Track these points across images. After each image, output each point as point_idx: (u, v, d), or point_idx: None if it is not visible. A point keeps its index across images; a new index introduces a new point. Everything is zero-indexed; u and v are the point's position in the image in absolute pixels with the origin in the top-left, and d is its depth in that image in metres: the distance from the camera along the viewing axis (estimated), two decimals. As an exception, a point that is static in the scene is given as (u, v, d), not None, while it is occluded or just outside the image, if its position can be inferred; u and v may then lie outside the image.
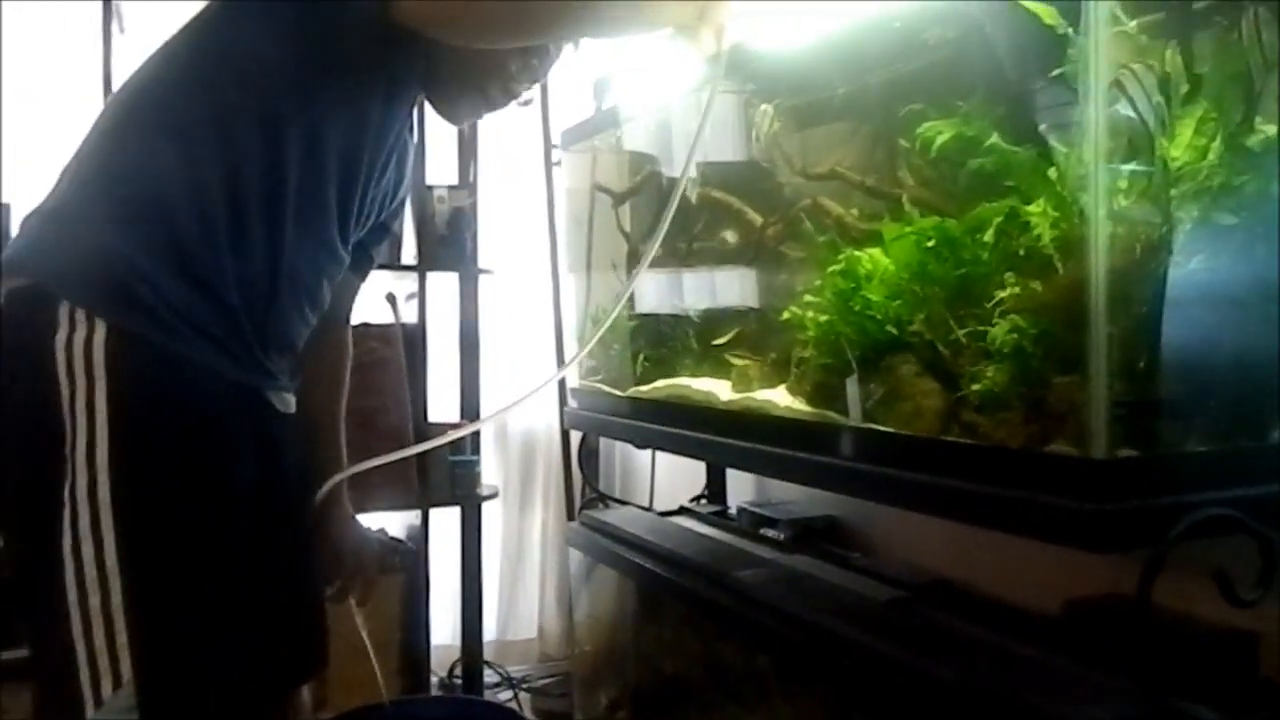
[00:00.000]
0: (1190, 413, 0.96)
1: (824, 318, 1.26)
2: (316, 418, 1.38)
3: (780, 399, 1.37)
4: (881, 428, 1.15)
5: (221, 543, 1.11)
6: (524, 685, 2.47)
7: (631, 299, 1.85)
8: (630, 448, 2.55)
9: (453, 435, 1.56)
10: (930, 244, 1.12)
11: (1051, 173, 1.02)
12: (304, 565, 1.32)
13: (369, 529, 2.27)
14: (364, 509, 2.05)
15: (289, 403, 1.28)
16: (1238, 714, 0.97)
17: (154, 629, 1.05)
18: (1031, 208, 1.01)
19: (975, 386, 1.04)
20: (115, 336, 1.05)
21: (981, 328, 1.04)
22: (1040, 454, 0.95)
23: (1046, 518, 0.92)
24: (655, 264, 1.71)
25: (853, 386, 1.21)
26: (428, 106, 1.32)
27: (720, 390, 1.54)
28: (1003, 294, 1.02)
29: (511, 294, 2.54)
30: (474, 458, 2.25)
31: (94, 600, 1.04)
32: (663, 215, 1.26)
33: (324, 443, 1.39)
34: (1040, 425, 0.97)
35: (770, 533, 1.78)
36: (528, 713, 2.36)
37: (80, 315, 1.05)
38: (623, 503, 2.35)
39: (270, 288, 1.17)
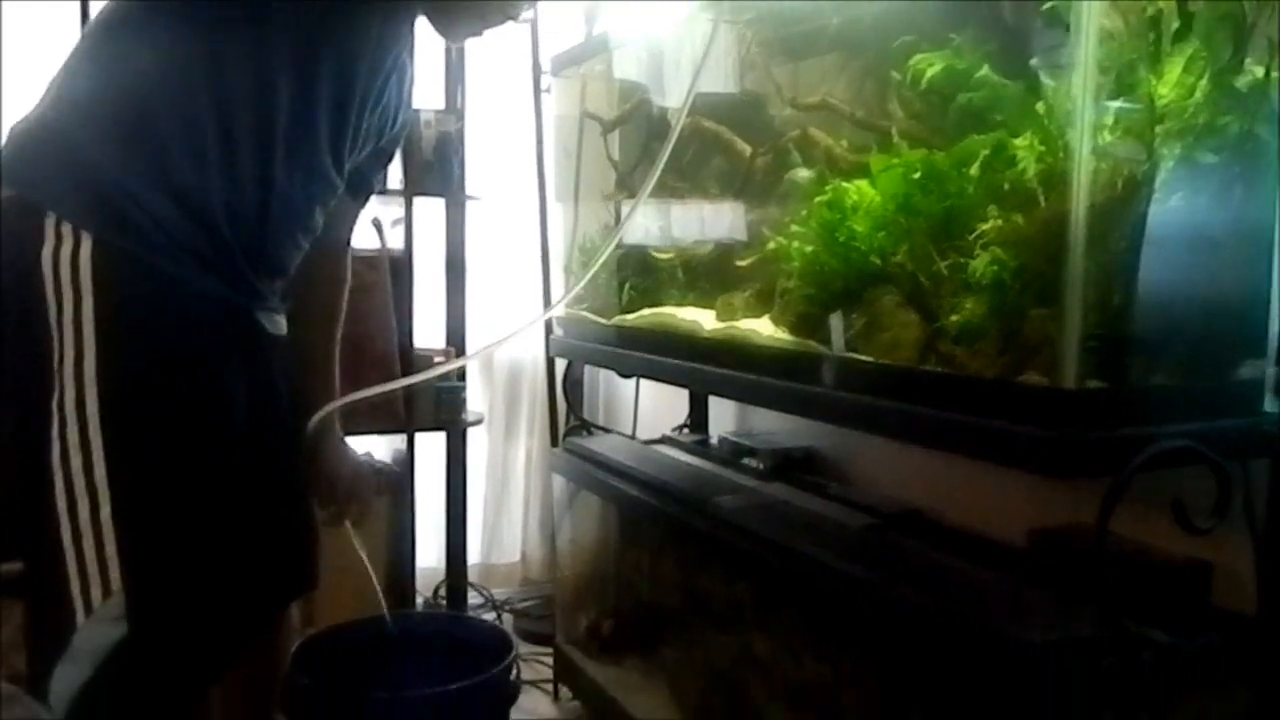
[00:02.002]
0: (1159, 348, 0.98)
1: (809, 248, 1.27)
2: (311, 346, 1.38)
3: (764, 329, 1.39)
4: (861, 357, 1.17)
5: (210, 459, 1.13)
6: (507, 607, 2.53)
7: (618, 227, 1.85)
8: (614, 377, 2.57)
9: (441, 369, 1.57)
10: (917, 176, 1.13)
11: (1040, 107, 1.02)
12: (295, 486, 1.33)
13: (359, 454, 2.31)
14: (350, 433, 2.08)
15: (279, 324, 1.29)
16: (1188, 637, 1.01)
17: (143, 541, 1.08)
18: (1019, 141, 1.02)
19: (954, 318, 1.06)
20: (101, 251, 1.05)
21: (963, 260, 1.06)
22: (1012, 384, 0.97)
23: (1016, 445, 0.95)
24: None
25: (835, 318, 1.23)
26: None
27: (705, 320, 1.55)
28: (985, 226, 1.03)
29: (498, 221, 2.54)
30: (459, 384, 2.27)
31: (83, 511, 1.06)
32: (660, 149, 1.25)
33: (318, 371, 1.40)
34: (1014, 356, 0.99)
35: (750, 462, 1.81)
36: (510, 633, 2.42)
37: (67, 229, 1.05)
38: (606, 430, 2.38)
39: (260, 211, 1.16)
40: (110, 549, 1.07)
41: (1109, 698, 0.97)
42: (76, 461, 1.05)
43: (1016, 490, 1.42)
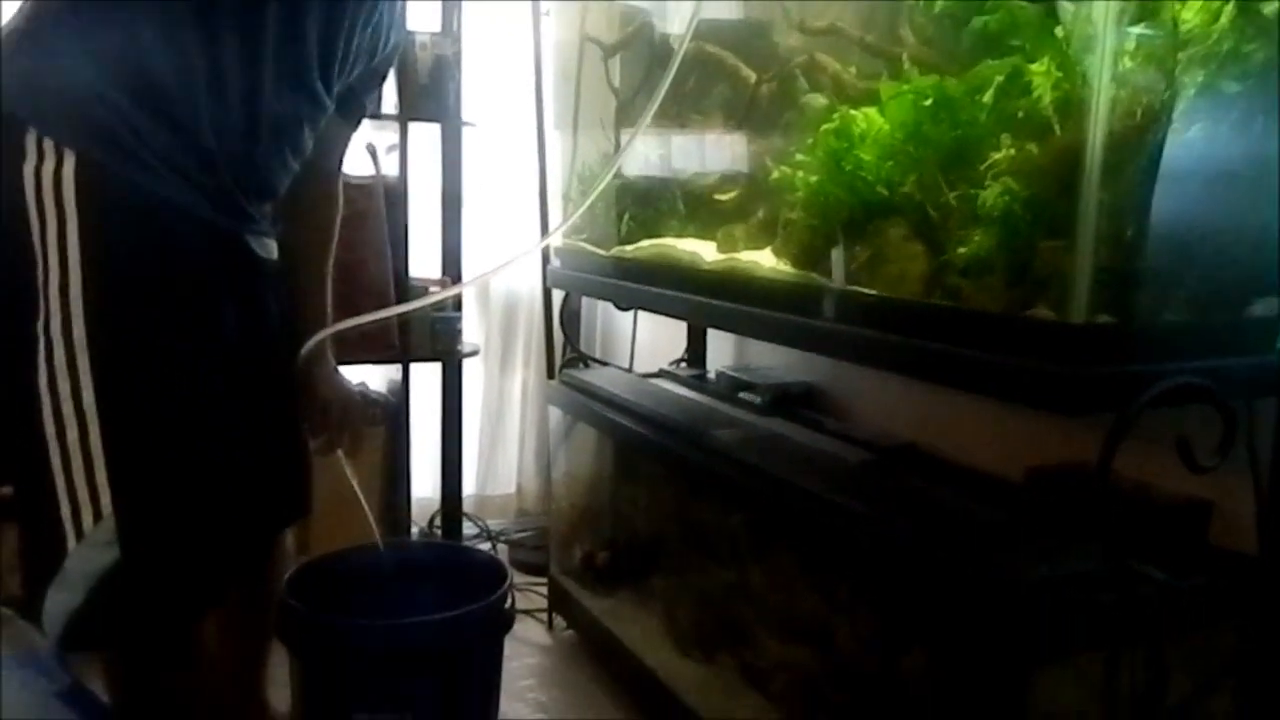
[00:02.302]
0: (1170, 283, 0.96)
1: (814, 178, 1.24)
2: (303, 271, 1.36)
3: (766, 261, 1.36)
4: (865, 290, 1.15)
5: (199, 384, 1.11)
6: (502, 538, 2.54)
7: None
8: (612, 311, 2.55)
9: (436, 297, 1.54)
10: (928, 104, 1.09)
11: (1058, 31, 0.98)
12: (286, 412, 1.32)
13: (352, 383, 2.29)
14: (344, 362, 2.06)
15: (270, 248, 1.26)
16: (1184, 575, 1.01)
17: (132, 466, 1.06)
18: (1035, 67, 0.98)
19: (962, 250, 1.03)
20: (84, 169, 1.02)
21: (973, 191, 1.03)
22: (1020, 318, 0.95)
23: (1023, 381, 0.93)
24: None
25: (838, 250, 1.20)
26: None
27: (705, 251, 1.52)
28: (997, 155, 1.00)
29: (495, 148, 2.48)
30: (455, 314, 2.24)
31: (71, 435, 1.04)
32: (662, 75, 1.21)
33: (309, 298, 1.38)
34: (1022, 290, 0.97)
35: (748, 397, 1.80)
36: (505, 563, 2.43)
37: (49, 145, 1.02)
38: (603, 364, 2.37)
39: (248, 130, 1.13)
40: (100, 474, 1.05)
41: (1107, 634, 0.97)
42: (64, 386, 1.04)
43: (1016, 427, 1.41)
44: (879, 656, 1.28)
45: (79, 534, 1.06)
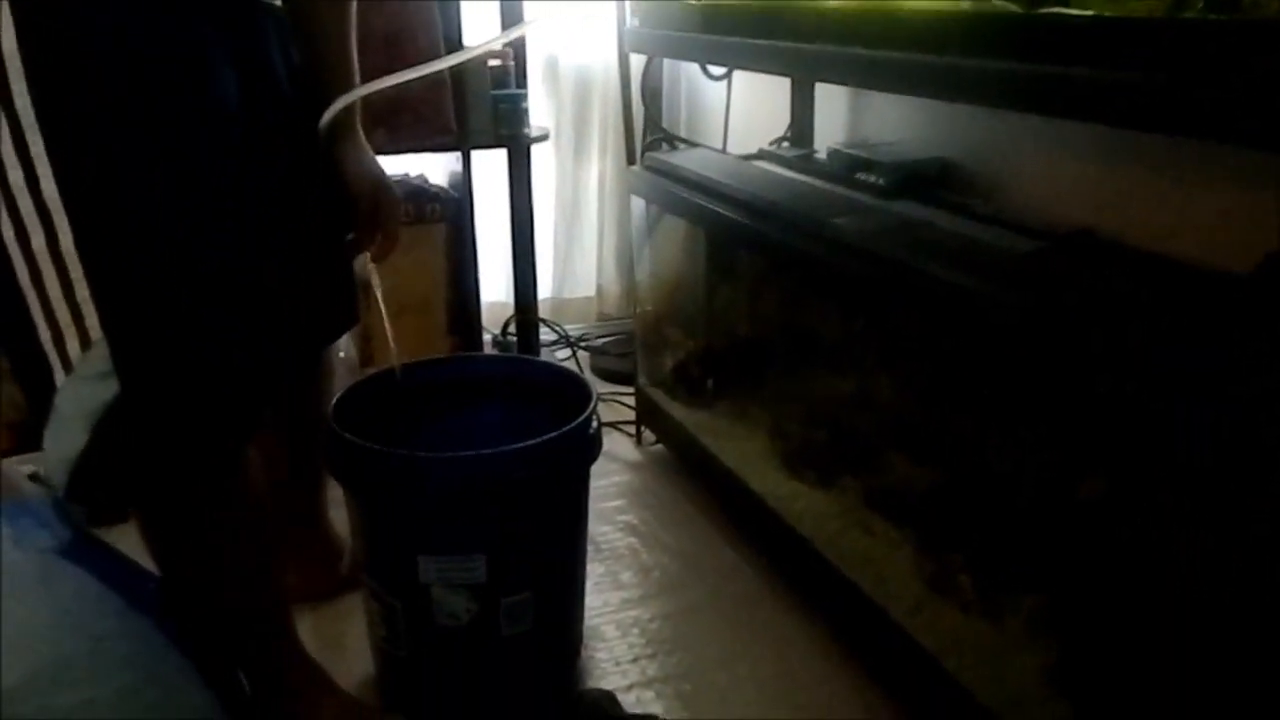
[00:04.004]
0: None
1: None
2: (318, 24, 1.06)
3: (914, -13, 1.03)
4: (1073, 11, 0.82)
5: (189, 163, 0.86)
6: (582, 344, 2.34)
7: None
8: (701, 84, 2.21)
9: (486, 45, 1.24)
10: None
11: None
12: (311, 197, 1.08)
13: (405, 175, 2.04)
14: (395, 149, 1.80)
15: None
16: None
17: (118, 274, 0.84)
18: None
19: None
20: None
21: None
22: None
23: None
24: None
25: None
26: None
27: (827, -15, 1.19)
28: None
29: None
30: (520, 91, 1.94)
31: (37, 241, 0.82)
32: None
33: (329, 56, 1.08)
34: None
35: (868, 177, 1.50)
36: (587, 372, 2.25)
37: None
38: (692, 144, 2.06)
39: None
40: (83, 290, 0.84)
41: None
42: (15, 177, 0.81)
43: (1237, 206, 1.09)
44: (1044, 483, 1.05)
45: (66, 365, 0.86)
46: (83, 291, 0.84)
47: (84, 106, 0.80)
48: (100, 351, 0.85)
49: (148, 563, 0.98)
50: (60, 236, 0.82)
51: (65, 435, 0.87)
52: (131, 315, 0.85)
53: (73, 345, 0.85)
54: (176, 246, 0.86)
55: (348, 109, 1.08)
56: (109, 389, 0.86)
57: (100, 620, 0.85)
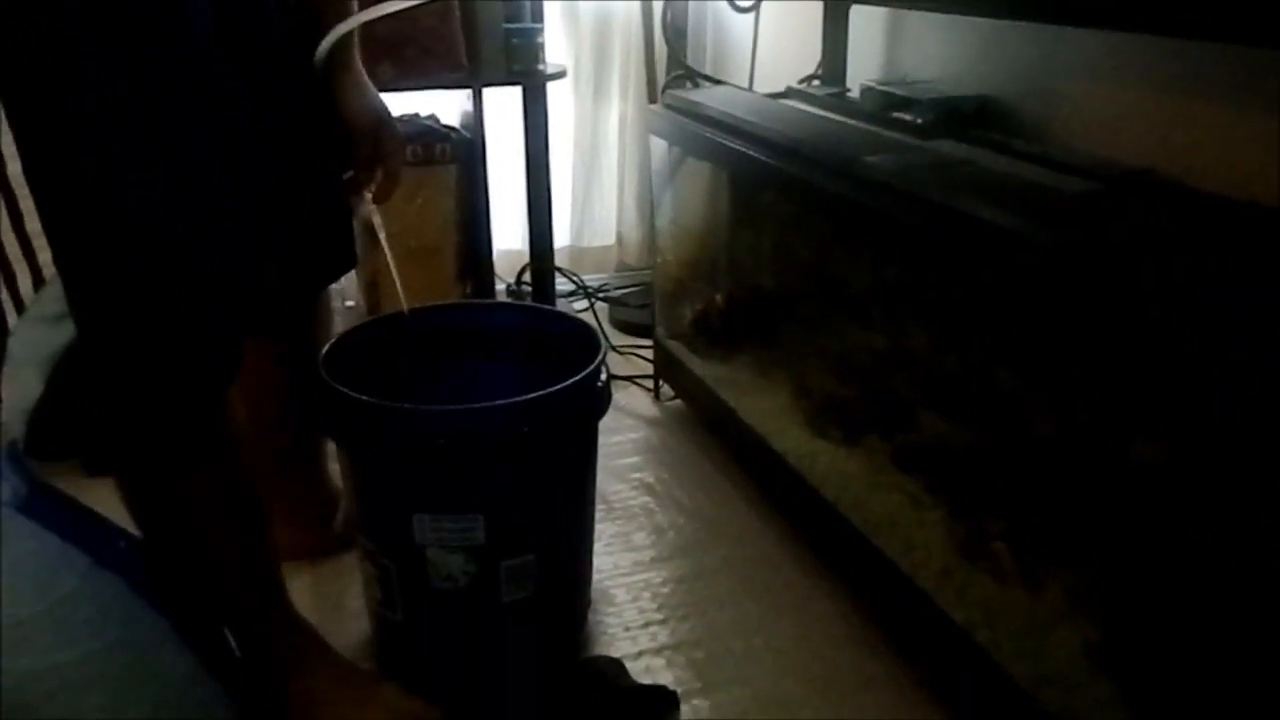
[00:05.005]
0: None
1: None
2: None
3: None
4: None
5: (152, 76, 0.78)
6: (600, 295, 2.25)
7: None
8: (727, 18, 2.09)
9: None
10: None
11: None
12: (300, 128, 0.99)
13: (415, 114, 1.94)
14: (402, 85, 1.71)
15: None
16: None
17: (71, 204, 0.77)
18: None
19: None
20: None
21: None
22: None
23: None
24: None
25: None
26: None
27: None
28: None
29: None
30: (536, 25, 1.84)
31: (-20, 166, 0.74)
32: None
33: None
34: None
35: (905, 116, 1.39)
36: (605, 323, 2.16)
37: None
38: (717, 82, 1.95)
39: None
40: (32, 220, 0.76)
41: None
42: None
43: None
44: (1098, 443, 0.95)
45: (18, 305, 0.78)
46: (34, 224, 0.76)
47: (29, 36, 0.72)
48: (55, 290, 0.78)
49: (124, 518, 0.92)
50: (8, 162, 0.75)
51: (20, 382, 0.80)
52: (82, 242, 0.77)
53: (24, 282, 0.78)
54: (134, 173, 0.78)
55: (346, 39, 1.01)
56: (64, 332, 0.79)
57: (61, 581, 0.79)
